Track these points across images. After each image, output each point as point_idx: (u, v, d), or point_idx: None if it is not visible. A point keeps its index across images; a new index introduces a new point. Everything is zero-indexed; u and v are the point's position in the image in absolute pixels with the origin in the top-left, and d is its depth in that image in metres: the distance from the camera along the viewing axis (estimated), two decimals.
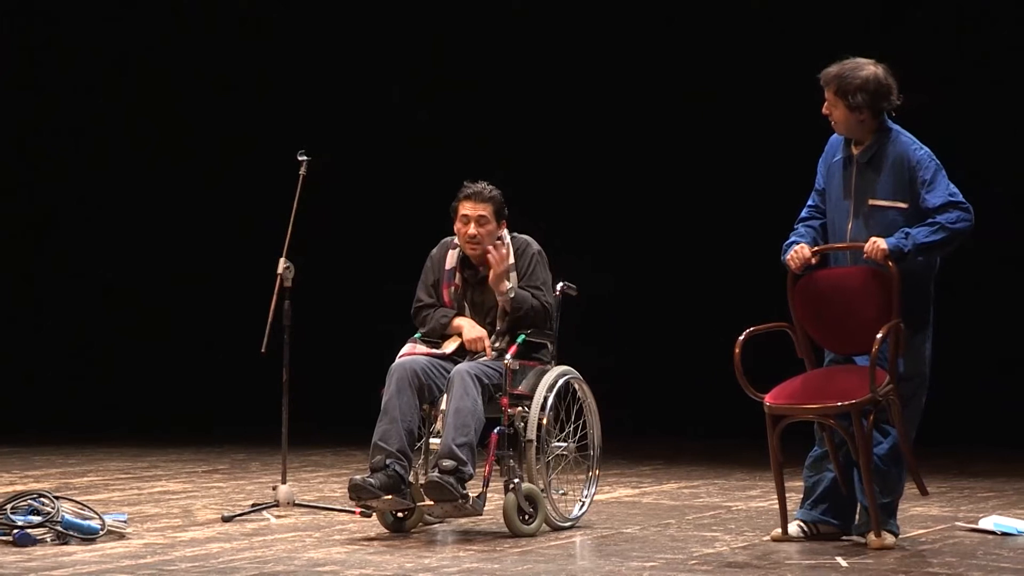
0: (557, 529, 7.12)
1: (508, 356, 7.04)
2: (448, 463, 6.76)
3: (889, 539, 6.64)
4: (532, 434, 7.01)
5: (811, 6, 12.19)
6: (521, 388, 7.09)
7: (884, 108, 6.71)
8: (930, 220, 6.56)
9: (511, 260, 7.23)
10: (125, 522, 6.94)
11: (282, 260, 7.64)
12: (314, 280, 9.08)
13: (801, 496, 6.92)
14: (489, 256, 7.18)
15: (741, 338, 6.70)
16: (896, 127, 6.77)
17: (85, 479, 9.30)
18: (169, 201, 13.85)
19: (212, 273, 13.69)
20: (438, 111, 13.20)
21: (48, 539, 6.58)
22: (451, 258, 7.32)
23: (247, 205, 12.96)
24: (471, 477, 6.84)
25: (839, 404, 6.48)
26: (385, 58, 13.36)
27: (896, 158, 6.68)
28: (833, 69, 6.73)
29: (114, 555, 6.34)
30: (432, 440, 7.06)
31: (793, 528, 6.86)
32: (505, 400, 7.00)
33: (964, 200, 6.59)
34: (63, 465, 10.10)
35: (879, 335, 6.42)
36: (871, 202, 6.69)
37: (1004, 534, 7.05)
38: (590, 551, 6.62)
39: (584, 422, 7.37)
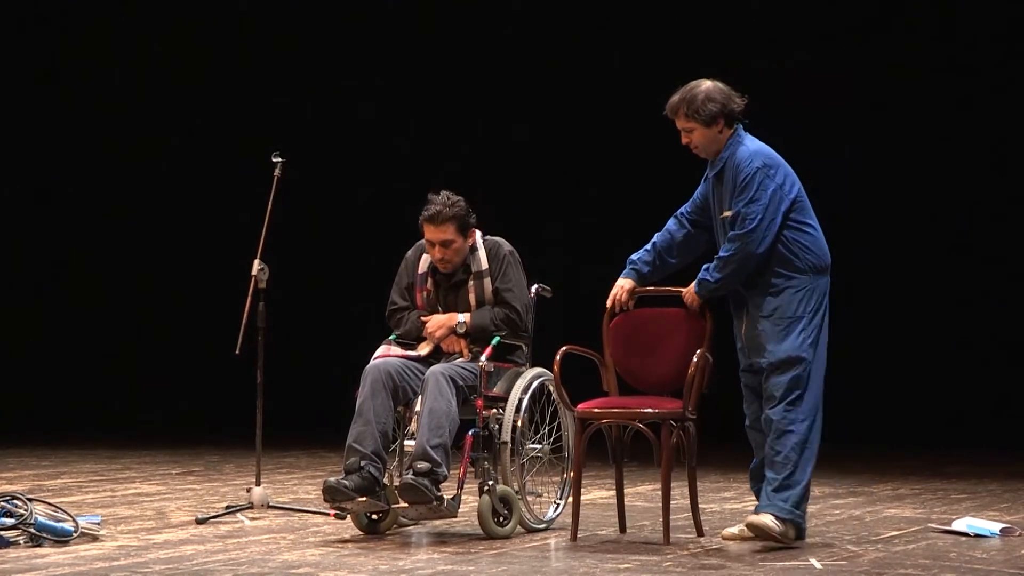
0: (532, 531, 7.12)
1: (483, 358, 7.04)
2: (422, 465, 6.75)
3: (767, 519, 6.62)
4: (507, 436, 7.01)
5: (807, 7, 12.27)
6: (496, 390, 7.09)
7: (735, 111, 6.76)
8: (717, 257, 6.75)
9: (444, 323, 7.20)
10: (99, 524, 6.92)
11: (256, 262, 7.63)
12: (288, 281, 9.06)
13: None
14: (433, 335, 7.19)
15: (558, 357, 6.84)
16: (746, 136, 6.82)
17: (58, 481, 9.27)
18: (144, 201, 13.84)
19: (187, 274, 13.66)
20: (432, 111, 13.20)
21: (21, 541, 6.55)
22: (424, 262, 7.31)
23: (230, 207, 12.90)
24: (445, 479, 6.84)
25: (649, 411, 6.72)
26: (376, 58, 13.35)
27: (731, 167, 6.76)
28: (674, 98, 6.82)
29: (87, 557, 6.33)
30: (406, 442, 7.05)
31: (743, 528, 6.93)
32: (480, 402, 7.00)
33: (748, 226, 6.65)
34: (36, 467, 10.06)
35: (695, 359, 6.68)
36: (723, 215, 6.81)
37: (977, 536, 7.07)
38: (564, 553, 6.62)
39: (559, 424, 7.37)
